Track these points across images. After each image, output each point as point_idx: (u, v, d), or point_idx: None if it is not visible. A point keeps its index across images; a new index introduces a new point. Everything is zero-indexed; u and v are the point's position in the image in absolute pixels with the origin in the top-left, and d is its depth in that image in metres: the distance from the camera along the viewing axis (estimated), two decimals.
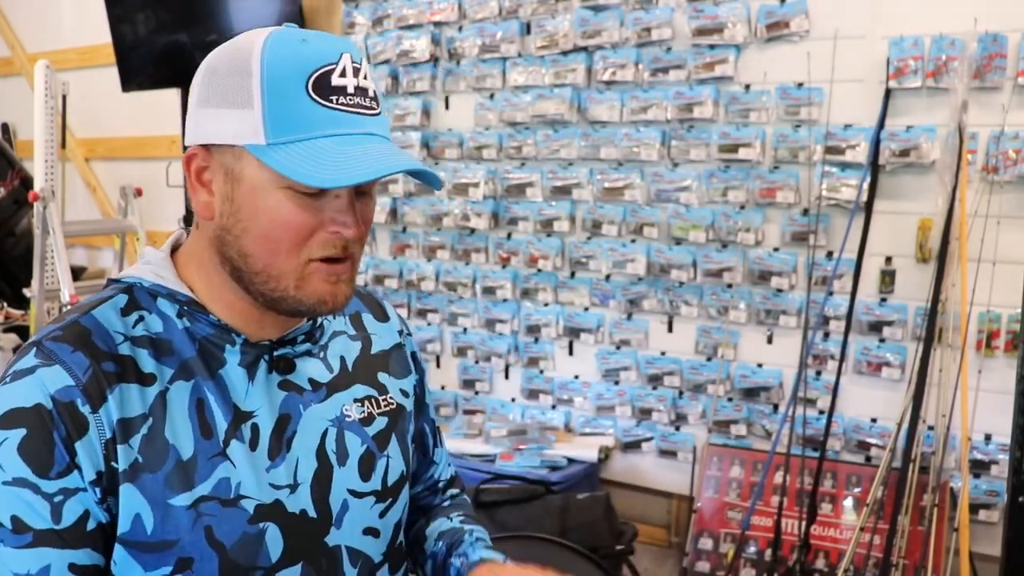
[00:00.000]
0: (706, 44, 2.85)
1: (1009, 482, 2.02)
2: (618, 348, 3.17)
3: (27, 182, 4.06)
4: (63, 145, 3.86)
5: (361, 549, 0.92)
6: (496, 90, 3.28)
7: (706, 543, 2.91)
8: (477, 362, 3.45)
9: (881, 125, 2.60)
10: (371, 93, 0.81)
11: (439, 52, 3.37)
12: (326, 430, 0.90)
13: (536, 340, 3.33)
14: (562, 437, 3.22)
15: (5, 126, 5.05)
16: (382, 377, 1.00)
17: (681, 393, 3.07)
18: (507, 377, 3.42)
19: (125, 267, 4.28)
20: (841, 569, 2.51)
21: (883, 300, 2.70)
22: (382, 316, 1.05)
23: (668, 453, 3.11)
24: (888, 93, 2.59)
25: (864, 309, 2.71)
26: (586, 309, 3.22)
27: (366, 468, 0.93)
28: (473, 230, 3.40)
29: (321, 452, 0.89)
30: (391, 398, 0.99)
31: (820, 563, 2.71)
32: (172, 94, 4.05)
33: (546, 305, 3.29)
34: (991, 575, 2.40)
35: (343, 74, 0.79)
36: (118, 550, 0.80)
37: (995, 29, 2.43)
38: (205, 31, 3.61)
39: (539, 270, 3.27)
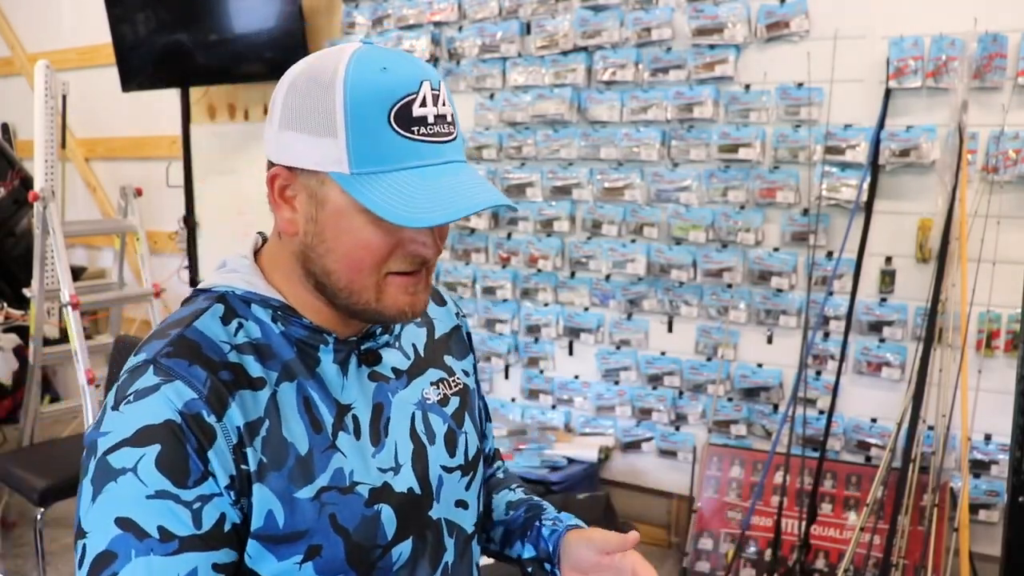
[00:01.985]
0: (706, 44, 2.85)
1: (1009, 482, 2.02)
2: (618, 348, 3.17)
3: (27, 182, 4.06)
4: (63, 145, 3.86)
5: (456, 521, 1.00)
6: (496, 90, 3.28)
7: (706, 543, 2.91)
8: (477, 362, 3.44)
9: (881, 125, 2.60)
10: (449, 118, 0.85)
11: (439, 52, 3.37)
12: (413, 413, 0.97)
13: (536, 340, 3.33)
14: (562, 437, 3.22)
15: (5, 126, 5.05)
16: (448, 360, 1.07)
17: (681, 393, 3.07)
18: (507, 377, 3.42)
19: (125, 267, 4.25)
20: (841, 569, 2.51)
21: (883, 300, 2.70)
22: (439, 301, 1.12)
23: (668, 453, 3.11)
24: (888, 93, 2.59)
25: (864, 309, 2.71)
26: (586, 309, 3.22)
27: (451, 445, 1.00)
28: (473, 230, 3.40)
29: (413, 434, 0.96)
30: (458, 379, 1.06)
31: (820, 563, 2.71)
32: (172, 94, 4.06)
33: (546, 305, 3.29)
34: (991, 575, 2.40)
35: (423, 103, 0.82)
36: (252, 544, 0.85)
37: (995, 29, 2.43)
38: (205, 31, 3.61)
39: (539, 270, 3.27)
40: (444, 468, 0.98)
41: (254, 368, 0.87)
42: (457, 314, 1.14)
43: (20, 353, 3.88)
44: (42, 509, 2.63)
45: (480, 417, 1.17)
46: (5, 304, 3.83)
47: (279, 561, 0.85)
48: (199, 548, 0.80)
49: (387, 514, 0.91)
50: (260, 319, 0.90)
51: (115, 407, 0.83)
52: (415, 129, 0.81)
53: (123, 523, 0.79)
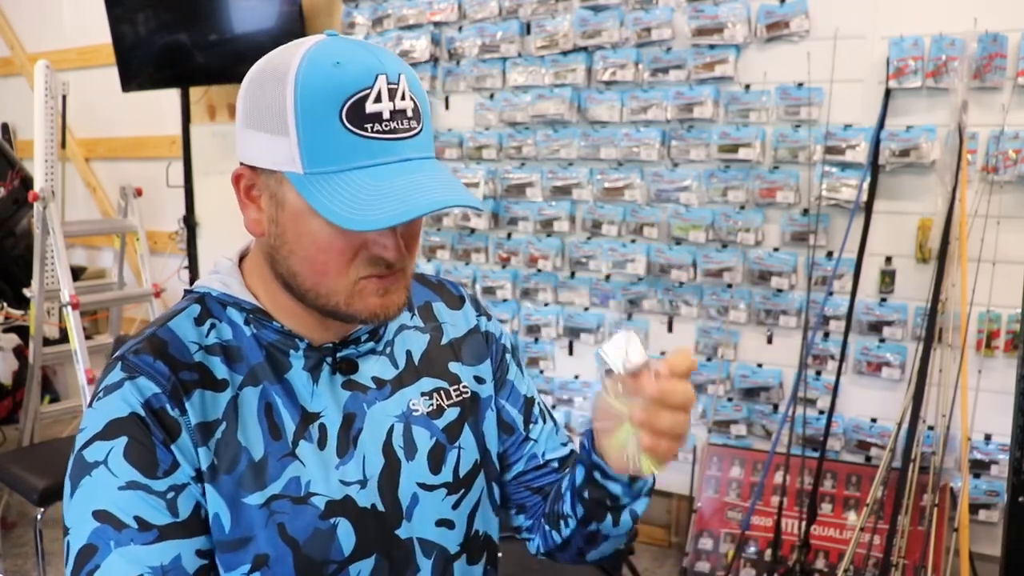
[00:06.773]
0: (706, 44, 2.85)
1: (1009, 482, 2.02)
2: None
3: (27, 182, 4.06)
4: (63, 145, 3.86)
5: (435, 541, 0.95)
6: (496, 90, 3.28)
7: (706, 543, 2.91)
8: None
9: (881, 125, 2.60)
10: (410, 112, 0.80)
11: (439, 52, 3.37)
12: (392, 426, 0.93)
13: (536, 340, 3.33)
14: None
15: (5, 126, 5.05)
16: (454, 367, 1.01)
17: None
18: None
19: (125, 267, 4.26)
20: (841, 569, 2.51)
21: (883, 300, 2.70)
22: (456, 303, 1.07)
23: None
24: (888, 93, 2.59)
25: (864, 309, 2.71)
26: (586, 309, 3.22)
27: (436, 461, 0.95)
28: (473, 230, 3.40)
29: (387, 448, 0.92)
30: (464, 387, 1.01)
31: (820, 563, 2.71)
32: (172, 94, 4.06)
33: (546, 305, 3.29)
34: (991, 575, 2.40)
35: (378, 99, 0.78)
36: None
37: (995, 29, 2.43)
38: (205, 31, 3.61)
39: (539, 270, 3.27)
40: (422, 485, 0.94)
41: (219, 370, 0.87)
42: (477, 315, 1.07)
43: (20, 353, 3.88)
44: (42, 509, 2.63)
45: (509, 418, 1.07)
46: (5, 304, 3.83)
47: (226, 572, 0.84)
48: (180, 536, 0.81)
49: (344, 528, 0.87)
50: (234, 321, 0.90)
51: (90, 404, 0.85)
52: (368, 126, 0.78)
53: (100, 515, 0.79)
